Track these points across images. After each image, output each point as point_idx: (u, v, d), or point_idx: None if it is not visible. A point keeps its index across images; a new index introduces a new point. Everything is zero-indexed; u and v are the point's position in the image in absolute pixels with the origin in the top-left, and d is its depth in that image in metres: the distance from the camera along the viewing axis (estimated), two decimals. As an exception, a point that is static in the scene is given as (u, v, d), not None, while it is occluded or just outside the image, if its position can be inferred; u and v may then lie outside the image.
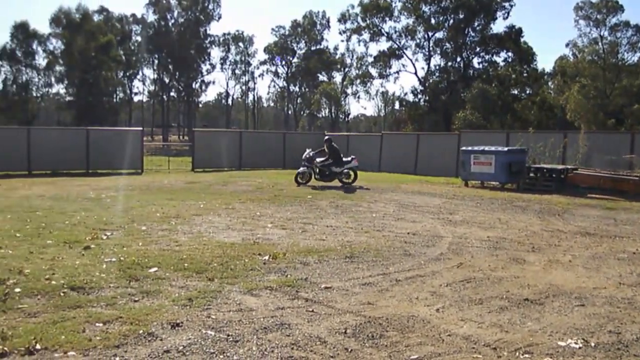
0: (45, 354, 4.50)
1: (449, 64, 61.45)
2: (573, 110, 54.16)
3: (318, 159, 19.95)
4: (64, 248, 8.44)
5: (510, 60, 59.28)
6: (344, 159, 20.10)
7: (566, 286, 6.88)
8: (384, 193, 17.77)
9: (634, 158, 20.55)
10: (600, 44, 59.83)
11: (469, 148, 21.49)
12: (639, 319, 5.66)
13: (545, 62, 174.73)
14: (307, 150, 20.34)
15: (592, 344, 4.96)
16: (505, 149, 20.76)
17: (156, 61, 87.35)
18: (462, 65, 60.72)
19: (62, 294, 6.02)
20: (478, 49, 59.87)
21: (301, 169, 20.11)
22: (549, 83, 68.25)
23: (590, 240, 10.20)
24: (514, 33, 57.58)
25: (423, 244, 9.52)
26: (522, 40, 58.52)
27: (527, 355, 4.70)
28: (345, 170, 19.96)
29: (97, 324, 5.15)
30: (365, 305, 5.96)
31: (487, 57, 60.38)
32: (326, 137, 20.99)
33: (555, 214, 13.58)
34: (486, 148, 20.87)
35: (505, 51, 59.17)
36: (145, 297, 6.02)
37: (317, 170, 19.92)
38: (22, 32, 70.88)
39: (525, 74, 58.53)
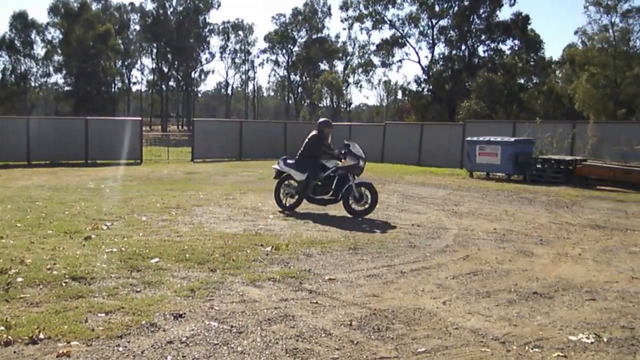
0: (48, 343, 4.48)
1: (454, 52, 60.82)
2: (582, 100, 52.89)
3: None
4: (65, 238, 8.39)
5: (516, 48, 58.48)
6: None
7: (576, 280, 6.73)
8: (387, 184, 17.67)
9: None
10: (611, 31, 57.94)
11: (475, 138, 21.43)
12: (653, 314, 5.51)
13: (553, 50, 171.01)
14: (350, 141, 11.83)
15: (605, 339, 4.82)
16: (512, 139, 20.59)
17: (155, 50, 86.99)
18: (467, 53, 60.02)
19: (63, 284, 6.01)
20: (483, 36, 58.99)
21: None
22: (557, 72, 67.10)
23: (600, 233, 10.01)
24: (521, 20, 56.62)
25: (428, 235, 9.38)
26: (529, 27, 57.57)
27: (537, 350, 4.58)
28: None
29: (99, 314, 5.13)
30: (370, 297, 5.87)
31: (492, 45, 59.54)
32: (326, 121, 12.49)
33: (564, 207, 13.41)
34: (492, 138, 20.80)
35: (511, 39, 58.30)
36: (147, 288, 5.99)
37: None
38: (21, 21, 70.89)
39: (532, 63, 57.79)
